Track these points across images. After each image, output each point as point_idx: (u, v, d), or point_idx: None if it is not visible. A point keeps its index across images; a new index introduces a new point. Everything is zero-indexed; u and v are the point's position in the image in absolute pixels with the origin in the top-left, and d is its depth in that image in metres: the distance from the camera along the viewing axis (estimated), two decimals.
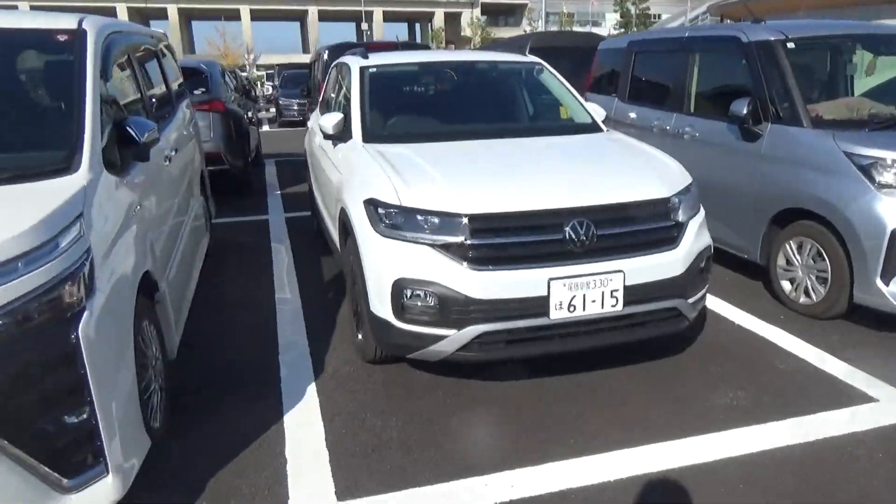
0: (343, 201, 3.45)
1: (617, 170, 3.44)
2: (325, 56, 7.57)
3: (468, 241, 2.89)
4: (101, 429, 2.10)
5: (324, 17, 62.54)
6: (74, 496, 2.06)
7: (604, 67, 6.58)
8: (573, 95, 4.49)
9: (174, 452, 2.71)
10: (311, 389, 3.25)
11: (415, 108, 4.50)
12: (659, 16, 52.83)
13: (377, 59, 4.59)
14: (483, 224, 2.91)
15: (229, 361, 3.58)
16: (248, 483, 2.54)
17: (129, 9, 56.55)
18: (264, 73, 35.05)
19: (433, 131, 4.02)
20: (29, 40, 3.09)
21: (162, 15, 58.37)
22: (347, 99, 4.29)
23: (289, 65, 24.86)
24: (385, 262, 2.98)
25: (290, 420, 2.98)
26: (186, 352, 3.47)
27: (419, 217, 2.96)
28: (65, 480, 2.04)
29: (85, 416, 2.06)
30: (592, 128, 4.18)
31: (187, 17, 62.11)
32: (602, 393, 3.18)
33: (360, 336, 3.44)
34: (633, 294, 2.99)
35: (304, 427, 2.92)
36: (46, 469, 2.00)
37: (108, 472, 2.13)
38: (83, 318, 2.07)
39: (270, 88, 24.24)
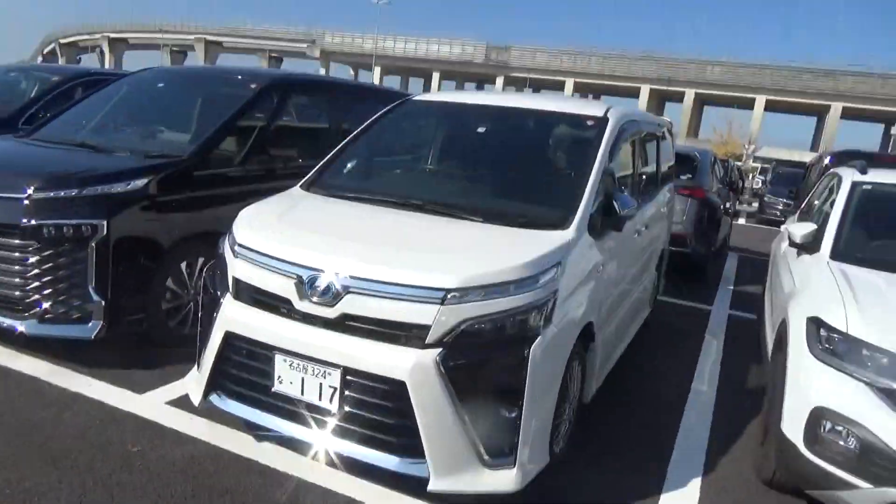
0: (786, 311, 3.42)
1: None
2: (826, 161, 7.23)
3: None
4: (520, 430, 2.67)
5: (848, 114, 57.24)
6: (487, 472, 2.67)
7: None
8: None
9: (554, 476, 3.15)
10: (695, 484, 3.31)
11: None
12: None
13: (880, 175, 4.28)
14: None
15: (630, 422, 3.89)
16: None
17: (651, 90, 62.01)
18: (759, 165, 34.15)
19: None
20: (565, 121, 3.99)
21: (679, 97, 62.11)
22: (827, 210, 4.15)
23: (786, 161, 23.82)
24: (810, 386, 2.88)
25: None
26: (599, 400, 3.92)
27: (864, 351, 2.77)
28: (486, 457, 2.67)
29: (514, 415, 2.67)
30: None
31: (702, 101, 64.61)
32: None
33: (762, 452, 3.35)
34: None
35: None
36: (479, 442, 2.65)
37: (514, 466, 2.69)
38: (536, 341, 2.68)
39: (760, 182, 23.55)
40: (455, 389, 2.58)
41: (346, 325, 2.71)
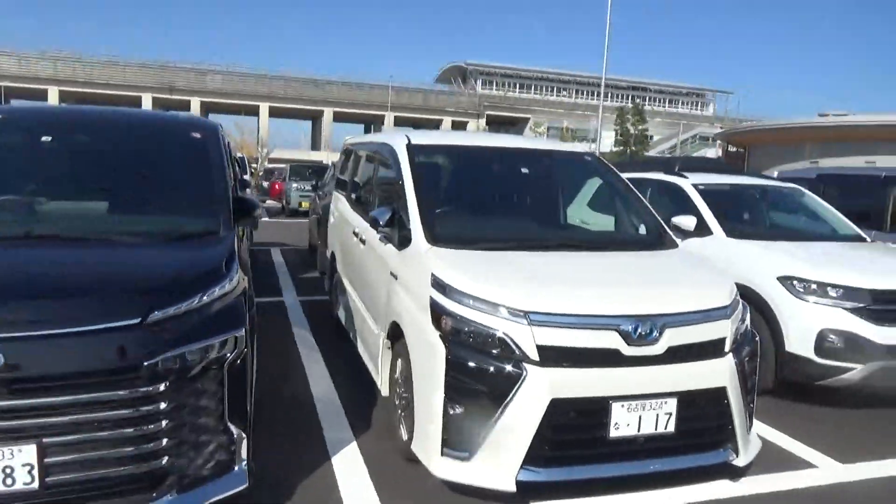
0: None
1: None
2: None
3: None
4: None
5: (338, 118, 66.18)
6: (754, 438, 3.44)
7: None
8: None
9: None
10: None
11: None
12: (651, 137, 56.56)
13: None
14: None
15: None
16: None
17: (153, 99, 59.51)
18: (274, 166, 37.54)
19: None
20: (568, 157, 4.71)
21: (184, 106, 61.24)
22: (694, 206, 5.93)
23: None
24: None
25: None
26: None
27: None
28: (750, 427, 3.42)
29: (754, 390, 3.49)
30: None
31: (207, 109, 65.13)
32: None
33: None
34: None
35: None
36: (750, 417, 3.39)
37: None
38: None
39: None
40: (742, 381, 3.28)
41: (669, 356, 3.06)
